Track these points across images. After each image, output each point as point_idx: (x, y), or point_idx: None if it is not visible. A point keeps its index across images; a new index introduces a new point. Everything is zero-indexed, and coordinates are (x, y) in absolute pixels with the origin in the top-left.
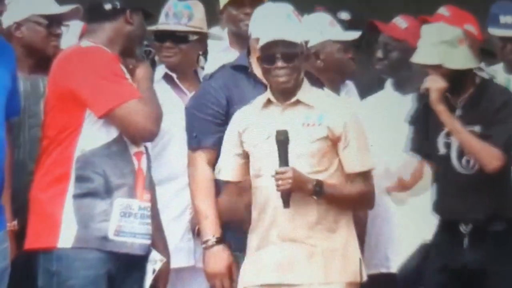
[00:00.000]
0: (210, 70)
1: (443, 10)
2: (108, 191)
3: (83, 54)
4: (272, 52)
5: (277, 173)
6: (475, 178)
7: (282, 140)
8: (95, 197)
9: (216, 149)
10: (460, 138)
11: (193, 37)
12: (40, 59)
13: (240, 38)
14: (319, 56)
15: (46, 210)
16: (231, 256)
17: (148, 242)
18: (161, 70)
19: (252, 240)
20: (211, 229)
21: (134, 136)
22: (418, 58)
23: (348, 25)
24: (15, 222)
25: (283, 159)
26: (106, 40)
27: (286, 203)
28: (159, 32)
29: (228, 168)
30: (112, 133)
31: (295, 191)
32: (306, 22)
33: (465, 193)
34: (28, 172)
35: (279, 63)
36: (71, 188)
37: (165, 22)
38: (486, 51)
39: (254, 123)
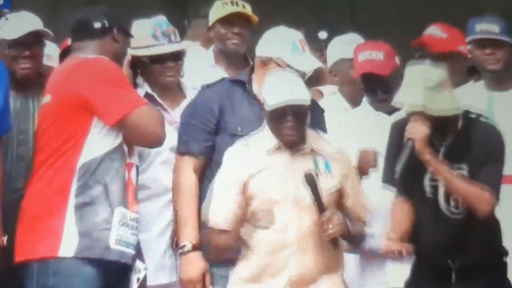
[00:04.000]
0: (197, 85)
1: (437, 31)
2: (108, 200)
3: (90, 64)
4: (283, 110)
5: (325, 220)
6: (464, 221)
7: (313, 181)
8: (96, 206)
9: (203, 157)
10: (450, 185)
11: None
12: (21, 80)
13: (226, 56)
14: (336, 74)
15: (45, 221)
16: (207, 265)
17: (133, 251)
18: (141, 90)
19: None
20: (188, 236)
21: (145, 142)
22: (401, 102)
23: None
24: (5, 238)
25: (319, 203)
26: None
27: None
28: (155, 54)
29: (225, 216)
30: (114, 142)
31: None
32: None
33: (454, 236)
34: (13, 189)
35: (290, 123)
36: (72, 198)
37: (158, 43)
38: (474, 68)
39: (264, 169)
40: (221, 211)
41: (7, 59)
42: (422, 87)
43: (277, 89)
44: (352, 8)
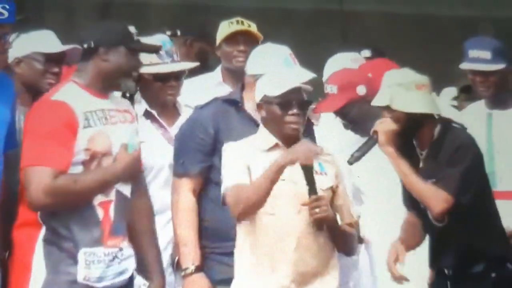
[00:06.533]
0: (194, 104)
1: (330, 88)
2: (73, 241)
3: (40, 108)
4: (288, 99)
5: (314, 200)
6: (447, 228)
7: (308, 166)
8: (61, 244)
9: (201, 177)
10: (407, 181)
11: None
12: (37, 95)
13: (233, 74)
14: None
15: (20, 250)
16: (210, 285)
17: (123, 277)
18: (139, 107)
19: (253, 281)
20: (190, 257)
21: (27, 200)
22: (373, 101)
23: None
24: (6, 253)
25: (312, 187)
26: (89, 78)
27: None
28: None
29: (242, 175)
30: None
31: (329, 220)
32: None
33: (443, 243)
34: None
35: (295, 110)
36: (43, 231)
37: (162, 61)
38: (468, 87)
39: (263, 164)
40: (238, 174)
41: (38, 72)
42: (393, 84)
43: (279, 80)
44: (344, 25)
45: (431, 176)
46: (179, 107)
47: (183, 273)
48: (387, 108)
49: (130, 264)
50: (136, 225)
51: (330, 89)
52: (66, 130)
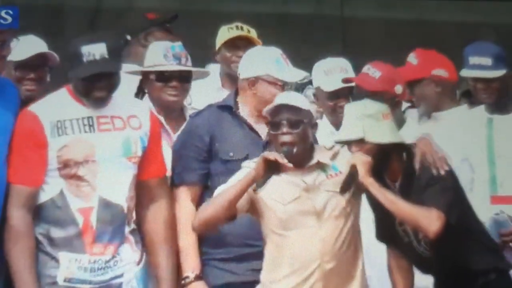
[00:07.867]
0: (199, 107)
1: (412, 58)
2: (52, 245)
3: (20, 117)
4: (278, 119)
5: None
6: (437, 253)
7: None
8: (44, 247)
9: (198, 185)
10: (395, 208)
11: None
12: (25, 101)
13: (232, 79)
14: (317, 99)
15: None
16: None
17: (118, 280)
18: None
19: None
20: (190, 266)
21: None
22: (342, 135)
23: None
24: None
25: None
26: None
27: None
28: (162, 72)
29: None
30: (55, 189)
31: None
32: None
33: (435, 269)
34: None
35: (284, 129)
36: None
37: (167, 63)
38: (469, 92)
39: (276, 185)
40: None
41: (13, 80)
42: (362, 116)
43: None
44: (344, 29)
45: (413, 203)
46: (186, 112)
47: (183, 282)
48: (354, 142)
49: (127, 270)
50: (151, 234)
51: (373, 72)
52: (32, 141)
